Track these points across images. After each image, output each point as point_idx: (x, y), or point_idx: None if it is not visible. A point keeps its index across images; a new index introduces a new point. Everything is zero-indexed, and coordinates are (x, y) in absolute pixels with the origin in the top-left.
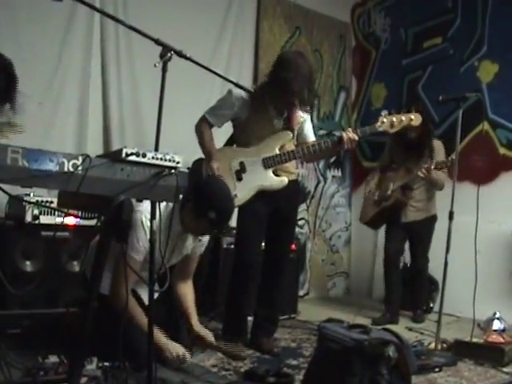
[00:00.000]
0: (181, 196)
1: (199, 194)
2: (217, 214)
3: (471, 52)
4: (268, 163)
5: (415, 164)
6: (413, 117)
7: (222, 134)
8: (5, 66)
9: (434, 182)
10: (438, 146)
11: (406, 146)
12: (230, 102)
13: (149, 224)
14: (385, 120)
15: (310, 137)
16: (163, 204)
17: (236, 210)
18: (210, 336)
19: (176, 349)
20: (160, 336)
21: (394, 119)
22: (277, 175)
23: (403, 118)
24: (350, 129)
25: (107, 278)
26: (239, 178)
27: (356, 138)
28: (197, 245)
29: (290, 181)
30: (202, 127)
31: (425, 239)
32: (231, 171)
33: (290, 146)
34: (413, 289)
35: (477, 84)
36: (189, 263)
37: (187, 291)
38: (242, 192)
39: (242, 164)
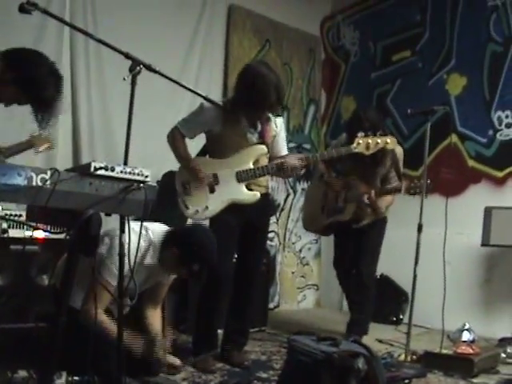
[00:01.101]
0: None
1: (187, 244)
2: (200, 267)
3: (440, 65)
4: (241, 177)
5: (373, 174)
6: (388, 140)
7: (192, 144)
8: (55, 71)
9: (375, 208)
10: (399, 153)
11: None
12: (202, 115)
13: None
14: (361, 141)
15: (282, 151)
16: (143, 233)
17: (207, 222)
18: (177, 362)
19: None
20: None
21: (370, 141)
22: (249, 189)
23: (379, 140)
24: (292, 156)
25: (79, 293)
26: (212, 190)
27: (297, 165)
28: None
29: (261, 194)
30: (175, 138)
31: (374, 241)
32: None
33: (264, 161)
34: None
35: (445, 97)
36: (159, 289)
37: (155, 320)
38: (213, 204)
39: (215, 176)
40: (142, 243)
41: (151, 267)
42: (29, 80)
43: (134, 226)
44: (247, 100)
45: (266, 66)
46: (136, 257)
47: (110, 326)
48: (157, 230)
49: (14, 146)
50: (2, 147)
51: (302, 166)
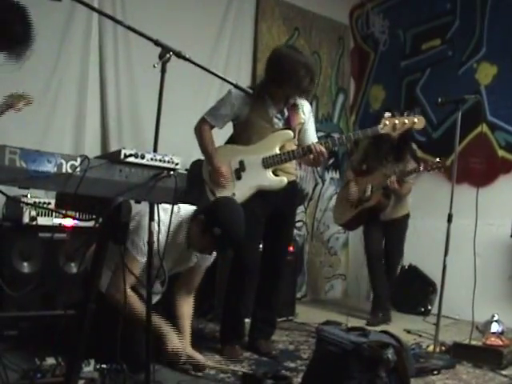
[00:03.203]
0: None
1: (212, 210)
2: (223, 232)
3: (470, 54)
4: (268, 163)
5: (395, 167)
6: (416, 120)
7: (222, 133)
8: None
9: (397, 191)
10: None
11: (385, 148)
12: (229, 102)
13: (156, 228)
14: (387, 122)
15: (312, 139)
16: (174, 211)
17: None
18: (202, 358)
19: (175, 344)
20: (163, 324)
21: (397, 122)
22: (276, 175)
23: (406, 120)
24: (319, 144)
25: (107, 276)
26: (238, 177)
27: (323, 150)
28: (203, 257)
29: (288, 181)
30: (202, 129)
31: (402, 236)
32: (231, 170)
33: (291, 146)
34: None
35: (475, 86)
36: (193, 275)
37: (186, 308)
38: (240, 191)
39: (241, 163)
40: (173, 221)
41: (182, 245)
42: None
43: (164, 205)
44: (274, 80)
45: (293, 48)
46: (167, 236)
47: (137, 303)
48: (188, 207)
49: None
50: None
51: (328, 151)
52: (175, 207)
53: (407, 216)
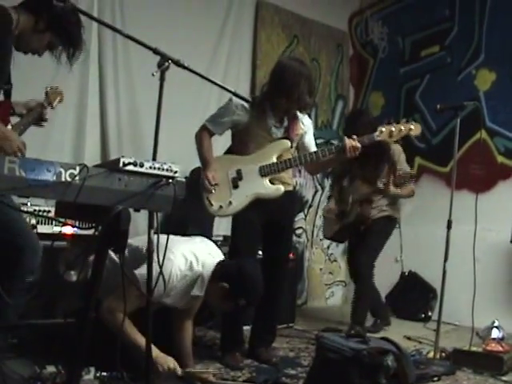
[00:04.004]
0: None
1: (238, 280)
2: (247, 303)
3: (469, 60)
4: (265, 171)
5: (373, 174)
6: (412, 127)
7: (222, 142)
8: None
9: (393, 195)
10: (397, 150)
11: (361, 154)
12: (230, 109)
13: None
14: (383, 129)
15: (311, 149)
16: (193, 261)
17: (230, 219)
18: (207, 375)
19: (167, 361)
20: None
21: (393, 129)
22: (273, 184)
23: (402, 127)
24: (354, 136)
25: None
26: (235, 186)
27: (359, 145)
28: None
29: (285, 191)
30: (202, 136)
31: (374, 235)
32: (228, 178)
33: (288, 155)
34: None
35: (474, 92)
36: (194, 305)
37: (186, 330)
38: (237, 200)
39: (238, 171)
40: (189, 273)
41: (195, 296)
42: (59, 22)
43: (184, 250)
44: (276, 92)
45: (298, 60)
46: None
47: (132, 331)
48: (207, 262)
49: (32, 112)
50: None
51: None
52: (193, 258)
53: (388, 218)
